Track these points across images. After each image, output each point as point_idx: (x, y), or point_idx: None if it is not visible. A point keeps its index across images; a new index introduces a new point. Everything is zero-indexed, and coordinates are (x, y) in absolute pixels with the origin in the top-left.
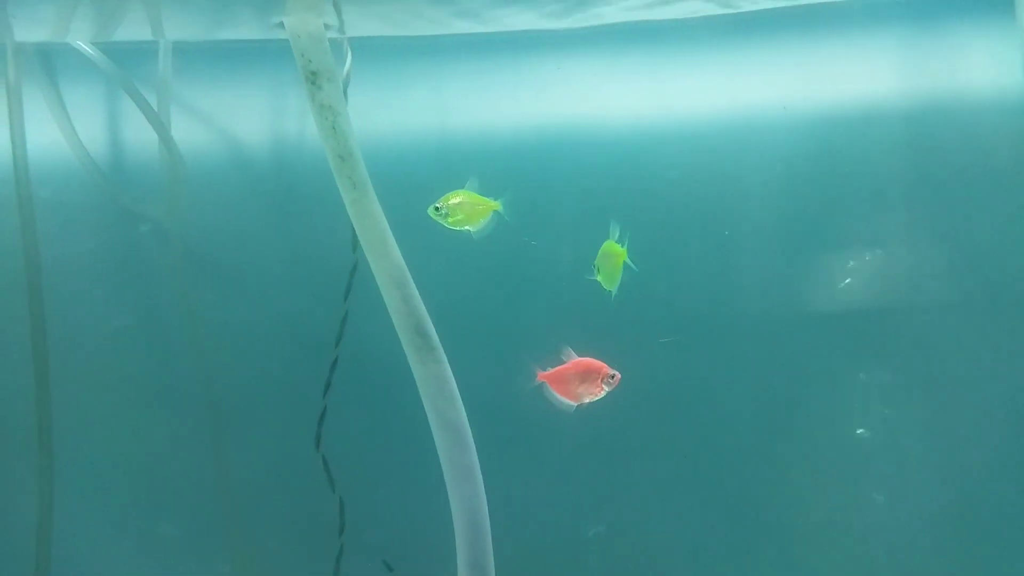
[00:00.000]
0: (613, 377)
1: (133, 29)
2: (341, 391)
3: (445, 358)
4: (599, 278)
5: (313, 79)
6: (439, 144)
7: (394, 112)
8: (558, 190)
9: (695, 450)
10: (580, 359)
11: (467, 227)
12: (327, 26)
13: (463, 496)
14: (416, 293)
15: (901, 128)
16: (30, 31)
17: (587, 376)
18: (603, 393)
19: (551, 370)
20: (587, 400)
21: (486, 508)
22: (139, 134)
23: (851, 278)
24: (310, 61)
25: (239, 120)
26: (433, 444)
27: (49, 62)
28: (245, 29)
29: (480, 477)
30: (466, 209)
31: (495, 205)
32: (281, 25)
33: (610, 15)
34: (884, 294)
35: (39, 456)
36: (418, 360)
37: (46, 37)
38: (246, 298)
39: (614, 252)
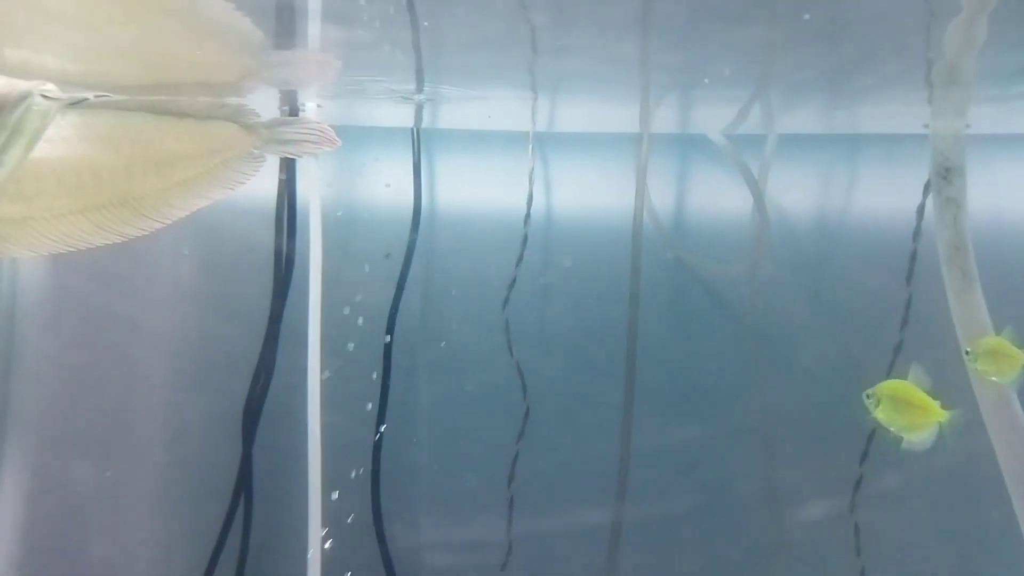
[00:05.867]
0: None
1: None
2: None
3: None
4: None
5: (945, 175)
6: None
7: None
8: None
9: None
10: None
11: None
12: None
13: None
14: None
15: None
16: (664, 124)
17: None
18: None
19: None
20: None
21: None
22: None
23: None
24: (947, 159)
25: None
26: None
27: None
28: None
29: None
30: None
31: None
32: (924, 127)
33: None
34: None
35: None
36: None
37: (677, 129)
38: None
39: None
